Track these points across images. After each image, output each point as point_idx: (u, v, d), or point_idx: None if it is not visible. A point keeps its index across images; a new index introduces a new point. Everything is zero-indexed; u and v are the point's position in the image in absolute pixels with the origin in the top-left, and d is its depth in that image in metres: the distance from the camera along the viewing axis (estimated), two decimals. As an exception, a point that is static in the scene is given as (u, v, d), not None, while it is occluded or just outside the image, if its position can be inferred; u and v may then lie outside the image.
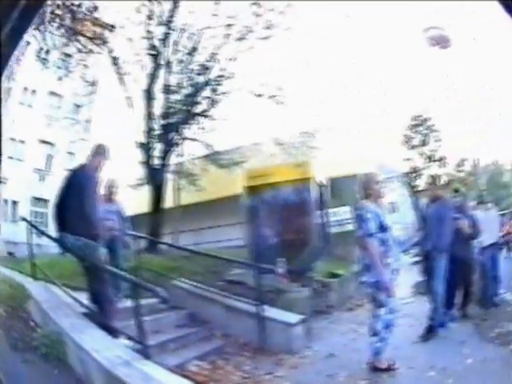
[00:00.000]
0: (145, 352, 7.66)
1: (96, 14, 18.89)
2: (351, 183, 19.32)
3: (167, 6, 18.89)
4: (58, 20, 18.43)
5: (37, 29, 18.38)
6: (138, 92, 19.18)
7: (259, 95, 19.50)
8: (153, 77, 19.07)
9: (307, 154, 20.40)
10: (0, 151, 3.75)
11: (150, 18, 18.73)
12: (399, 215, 31.31)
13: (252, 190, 16.64)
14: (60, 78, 20.65)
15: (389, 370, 8.43)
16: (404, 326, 11.05)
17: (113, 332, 8.13)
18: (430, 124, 28.25)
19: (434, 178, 12.12)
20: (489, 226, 13.03)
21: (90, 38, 19.01)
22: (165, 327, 10.51)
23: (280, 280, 13.74)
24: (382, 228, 8.52)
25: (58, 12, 18.27)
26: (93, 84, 20.55)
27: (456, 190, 13.81)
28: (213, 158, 20.81)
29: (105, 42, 18.96)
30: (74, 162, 22.58)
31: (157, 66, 19.06)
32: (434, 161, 27.97)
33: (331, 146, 20.83)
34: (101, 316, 8.38)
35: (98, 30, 19.09)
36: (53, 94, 23.32)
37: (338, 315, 14.05)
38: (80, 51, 19.39)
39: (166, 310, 11.16)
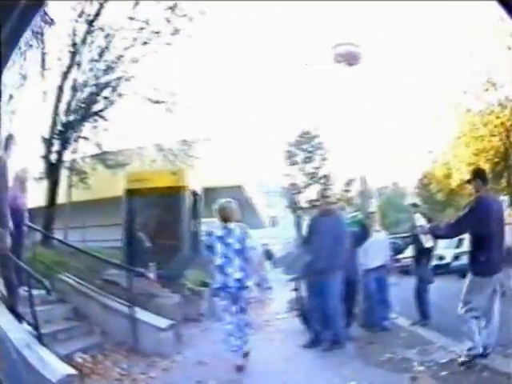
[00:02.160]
0: (40, 339, 8.01)
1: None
2: (229, 195, 20.04)
3: (96, 5, 18.99)
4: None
5: None
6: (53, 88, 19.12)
7: (151, 100, 19.94)
8: (66, 74, 19.08)
9: (186, 162, 20.81)
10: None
11: (80, 15, 18.82)
12: (279, 230, 32.20)
13: (130, 192, 16.82)
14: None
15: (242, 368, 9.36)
16: (277, 341, 12.23)
17: (17, 316, 8.34)
18: (317, 142, 28.67)
19: (324, 192, 11.67)
20: (375, 248, 13.11)
21: (34, 32, 18.94)
22: (55, 318, 10.80)
23: (151, 284, 14.30)
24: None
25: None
26: (25, 77, 20.50)
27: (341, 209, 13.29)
28: (101, 157, 21.00)
29: (42, 36, 18.78)
30: None
31: (72, 64, 19.11)
32: (317, 179, 28.27)
33: (211, 156, 21.33)
34: (7, 300, 8.57)
35: (42, 24, 19.11)
36: None
37: (209, 324, 14.30)
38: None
39: (55, 302, 11.34)
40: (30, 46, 19.29)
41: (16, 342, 7.10)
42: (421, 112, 23.74)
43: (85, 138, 20.29)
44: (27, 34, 19.26)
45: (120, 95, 20.23)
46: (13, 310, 8.47)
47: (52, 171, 18.91)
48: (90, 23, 19.09)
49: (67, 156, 19.92)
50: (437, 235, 10.93)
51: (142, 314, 11.65)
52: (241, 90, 24.53)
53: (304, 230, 11.97)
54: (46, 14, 18.81)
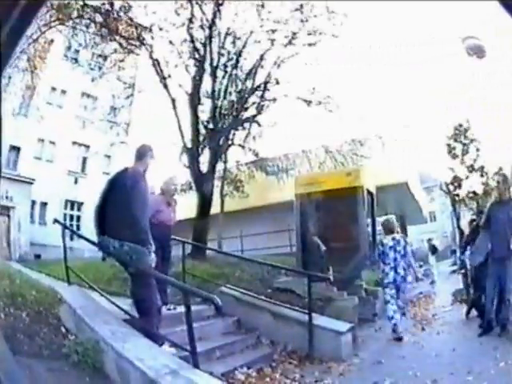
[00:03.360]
0: (194, 360, 7.20)
1: (130, 14, 18.74)
2: (396, 192, 19.06)
3: (209, 9, 18.59)
4: (86, 17, 18.46)
5: (62, 24, 18.31)
6: (182, 96, 18.84)
7: (308, 102, 19.28)
8: (197, 81, 18.74)
9: (355, 162, 20.45)
10: (0, 149, 3.75)
11: (190, 21, 18.45)
12: (437, 224, 33.79)
13: (302, 197, 16.56)
14: (93, 80, 20.54)
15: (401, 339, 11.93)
16: (444, 334, 12.62)
17: (156, 339, 7.73)
18: (470, 133, 28.36)
19: (504, 177, 11.70)
20: None
21: (126, 39, 18.92)
22: (211, 334, 10.17)
23: (329, 288, 13.88)
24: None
25: (87, 9, 18.20)
26: (131, 86, 20.31)
27: None
28: (260, 164, 20.92)
29: (142, 43, 18.73)
30: (112, 165, 22.75)
31: (201, 70, 18.75)
32: (475, 170, 28.06)
33: (377, 155, 20.76)
34: (144, 323, 7.96)
35: (135, 30, 18.82)
36: (86, 95, 23.25)
37: (383, 323, 13.90)
38: (116, 51, 19.40)
39: (211, 317, 10.82)
40: (130, 52, 19.37)
41: (150, 371, 6.36)
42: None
43: (240, 146, 20.15)
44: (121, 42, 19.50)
45: (271, 100, 19.82)
46: (148, 334, 7.82)
47: (201, 181, 18.52)
48: (210, 28, 18.71)
49: (218, 165, 19.69)
50: None
51: (319, 320, 11.21)
52: (392, 86, 24.20)
53: (483, 218, 11.98)
54: (131, 19, 18.62)
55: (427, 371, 8.66)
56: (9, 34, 2.87)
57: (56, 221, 12.01)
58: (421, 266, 22.65)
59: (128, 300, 9.31)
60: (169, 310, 9.79)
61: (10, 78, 19.10)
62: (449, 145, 29.31)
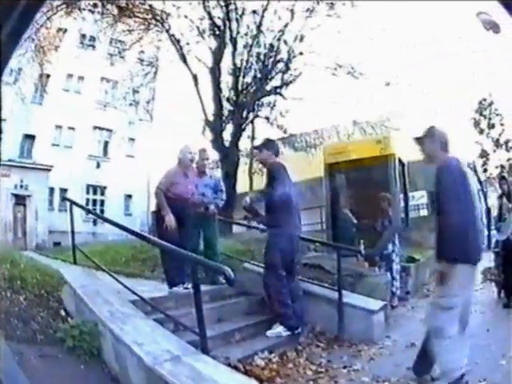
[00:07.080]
0: (203, 344, 6.60)
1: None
2: (426, 168, 18.92)
3: None
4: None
5: (68, 7, 18.85)
6: (204, 73, 19.15)
7: (334, 69, 19.60)
8: (218, 55, 18.85)
9: (384, 135, 19.93)
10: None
11: None
12: None
13: (331, 167, 16.54)
14: (112, 63, 20.66)
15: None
16: (477, 314, 11.10)
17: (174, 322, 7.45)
18: (494, 108, 28.64)
19: None
20: None
21: (141, 18, 19.19)
22: (232, 315, 9.58)
23: (361, 264, 13.53)
24: None
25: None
26: (150, 64, 20.35)
27: None
28: (288, 140, 21.00)
29: (157, 21, 18.96)
30: (135, 148, 22.57)
31: (221, 45, 18.86)
32: (501, 145, 28.51)
33: (405, 128, 20.44)
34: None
35: (149, 9, 19.23)
36: (105, 79, 23.36)
37: (415, 302, 13.80)
38: (130, 32, 19.66)
39: (233, 296, 10.29)
40: (147, 29, 19.51)
41: (148, 357, 5.76)
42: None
43: (266, 119, 20.52)
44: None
45: (296, 70, 20.21)
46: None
47: (225, 155, 18.74)
48: (227, 6, 18.89)
49: (245, 143, 20.64)
50: None
51: (350, 297, 10.66)
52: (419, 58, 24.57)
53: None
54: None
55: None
56: (9, 34, 2.90)
57: (64, 198, 11.83)
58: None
59: (146, 281, 9.88)
60: (186, 288, 9.19)
61: (19, 69, 19.38)
62: (474, 118, 29.57)
